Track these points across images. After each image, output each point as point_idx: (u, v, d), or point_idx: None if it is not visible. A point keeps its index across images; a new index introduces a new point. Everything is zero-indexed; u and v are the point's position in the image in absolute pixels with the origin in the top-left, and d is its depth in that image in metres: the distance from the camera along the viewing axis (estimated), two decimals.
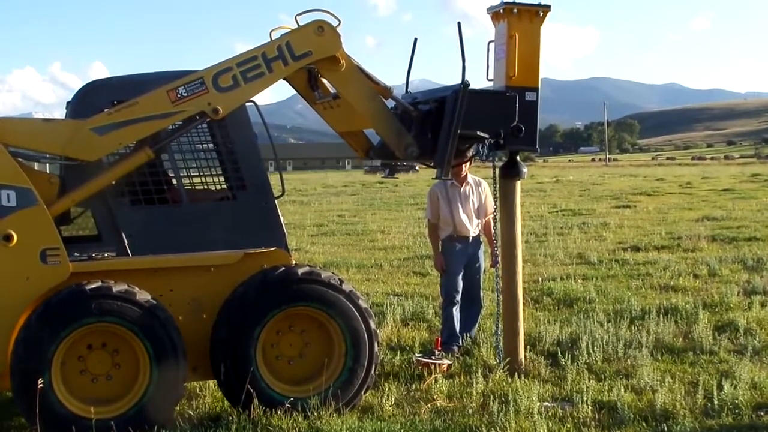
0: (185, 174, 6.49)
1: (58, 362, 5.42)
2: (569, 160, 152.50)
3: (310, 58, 6.16)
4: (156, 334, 5.51)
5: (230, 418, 5.62)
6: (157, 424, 5.49)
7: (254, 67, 6.03)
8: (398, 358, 7.36)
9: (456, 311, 7.84)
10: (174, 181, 6.33)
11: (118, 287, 5.49)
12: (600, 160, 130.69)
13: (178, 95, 5.88)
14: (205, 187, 6.75)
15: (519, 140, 6.57)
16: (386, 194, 37.30)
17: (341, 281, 6.01)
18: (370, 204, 30.89)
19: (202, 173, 6.71)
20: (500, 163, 6.92)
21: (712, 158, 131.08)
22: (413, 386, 6.62)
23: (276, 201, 6.38)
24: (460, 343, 7.76)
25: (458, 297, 7.85)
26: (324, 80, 6.60)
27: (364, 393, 6.09)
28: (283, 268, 5.89)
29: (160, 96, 5.87)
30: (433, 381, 6.60)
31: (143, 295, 5.54)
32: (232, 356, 5.71)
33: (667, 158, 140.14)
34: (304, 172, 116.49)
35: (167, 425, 5.56)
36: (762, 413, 5.80)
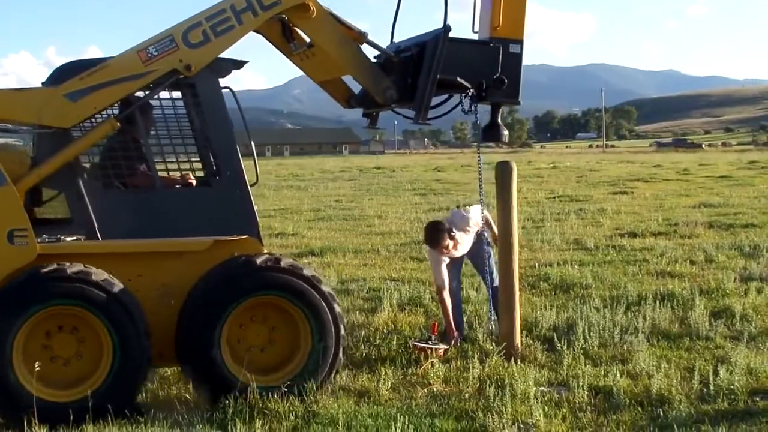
0: (159, 160, 6.35)
1: (20, 346, 5.38)
2: (567, 146, 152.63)
3: (279, 7, 6.08)
4: (116, 316, 5.44)
5: (227, 402, 5.62)
6: (119, 408, 5.43)
7: (224, 20, 5.95)
8: (395, 342, 7.36)
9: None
10: (147, 166, 6.17)
11: (73, 268, 5.41)
12: (597, 146, 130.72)
13: (149, 55, 5.82)
14: (180, 173, 6.57)
15: (501, 92, 6.46)
16: (383, 180, 37.30)
17: (301, 267, 5.92)
18: (367, 189, 30.87)
19: (177, 160, 6.55)
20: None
21: (709, 145, 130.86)
22: (410, 371, 6.63)
23: (249, 189, 6.24)
24: (463, 333, 7.60)
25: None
26: (297, 30, 6.49)
27: (335, 376, 6.06)
28: (242, 259, 5.81)
29: (130, 57, 5.80)
30: (430, 366, 6.61)
31: (100, 276, 5.46)
32: (196, 348, 5.66)
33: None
34: (301, 157, 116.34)
35: (129, 411, 5.51)
36: (757, 398, 5.81)
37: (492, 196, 7.35)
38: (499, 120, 6.85)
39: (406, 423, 5.23)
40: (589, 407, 5.71)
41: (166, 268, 5.86)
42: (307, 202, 24.74)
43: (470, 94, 6.46)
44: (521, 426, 5.35)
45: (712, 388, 5.92)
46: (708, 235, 14.73)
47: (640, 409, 5.66)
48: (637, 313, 8.14)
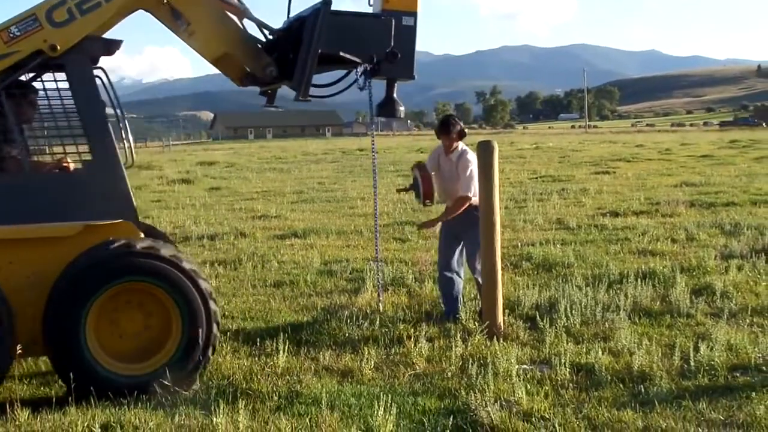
0: (29, 143, 6.07)
1: None
2: (549, 127, 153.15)
3: None
4: None
5: (210, 382, 5.61)
6: None
7: None
8: (378, 323, 7.37)
9: (443, 278, 7.62)
10: (17, 150, 5.87)
11: None
12: (580, 126, 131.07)
13: (11, 35, 5.59)
14: (53, 157, 6.30)
15: (394, 66, 6.32)
16: (366, 162, 37.16)
17: (159, 248, 5.71)
18: (350, 171, 30.79)
19: (48, 143, 6.28)
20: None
21: (691, 125, 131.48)
22: (393, 350, 6.64)
23: (125, 172, 6.01)
24: (457, 315, 7.58)
25: (444, 268, 7.64)
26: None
27: (212, 353, 5.90)
28: (97, 245, 5.61)
29: None
30: (413, 345, 6.62)
31: None
32: (59, 335, 5.49)
33: (647, 125, 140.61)
34: (284, 139, 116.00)
35: None
36: (737, 374, 5.87)
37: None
38: (395, 95, 6.71)
39: (389, 402, 5.24)
40: (571, 384, 5.74)
41: (37, 255, 5.64)
42: (290, 185, 24.66)
43: (364, 68, 6.32)
44: (504, 404, 5.37)
45: (692, 364, 5.97)
46: (689, 213, 14.83)
47: (621, 385, 5.70)
48: (618, 291, 8.18)
